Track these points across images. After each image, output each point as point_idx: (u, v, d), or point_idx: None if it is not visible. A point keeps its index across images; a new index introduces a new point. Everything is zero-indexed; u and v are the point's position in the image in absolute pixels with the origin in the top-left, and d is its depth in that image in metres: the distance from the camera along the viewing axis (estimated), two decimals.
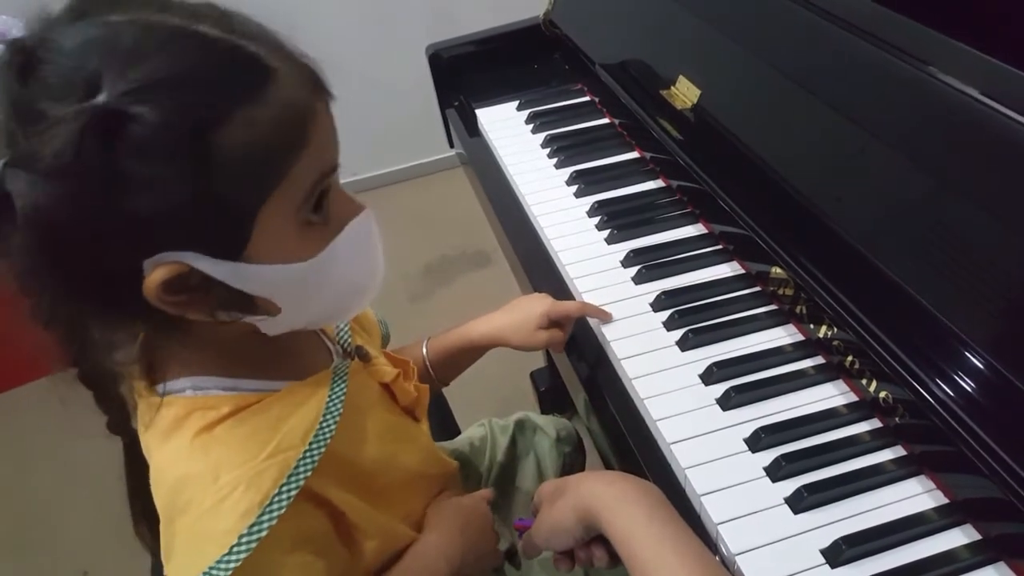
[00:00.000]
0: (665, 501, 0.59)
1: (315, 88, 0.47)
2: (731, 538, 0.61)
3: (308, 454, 0.52)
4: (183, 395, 0.52)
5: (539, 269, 0.95)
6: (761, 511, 0.62)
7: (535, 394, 1.70)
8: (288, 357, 0.57)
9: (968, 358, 0.58)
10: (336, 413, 0.56)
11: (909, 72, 0.68)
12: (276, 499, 0.49)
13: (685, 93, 0.92)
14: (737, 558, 0.59)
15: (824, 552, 0.59)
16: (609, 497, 0.59)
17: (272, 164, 0.45)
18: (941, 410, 0.58)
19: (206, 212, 0.43)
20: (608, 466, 0.81)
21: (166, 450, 0.52)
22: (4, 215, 0.40)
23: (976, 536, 0.59)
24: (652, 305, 0.83)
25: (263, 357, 0.55)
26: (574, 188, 1.02)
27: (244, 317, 0.49)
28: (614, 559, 0.60)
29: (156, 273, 0.43)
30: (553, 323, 0.82)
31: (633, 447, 0.72)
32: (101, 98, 0.39)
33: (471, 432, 1.00)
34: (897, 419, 0.66)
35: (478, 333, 0.84)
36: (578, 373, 0.83)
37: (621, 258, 0.89)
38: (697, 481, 0.65)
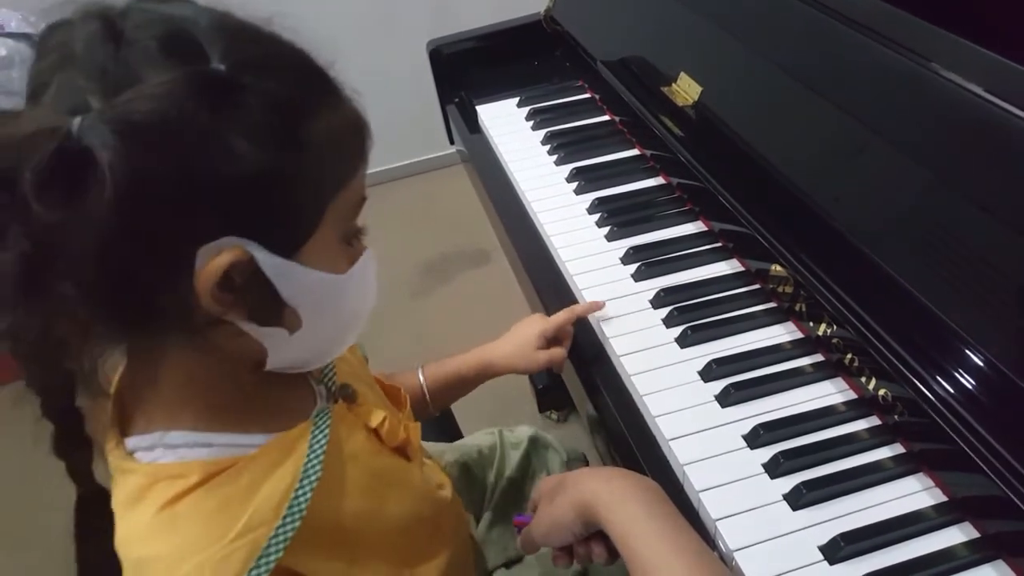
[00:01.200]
0: (664, 497, 0.59)
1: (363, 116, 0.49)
2: (729, 534, 0.60)
3: (281, 530, 0.48)
4: (150, 455, 0.48)
5: (539, 266, 0.95)
6: (760, 507, 0.62)
7: (533, 392, 1.70)
8: (269, 403, 0.54)
9: (967, 355, 0.58)
10: (314, 476, 0.51)
11: (911, 69, 0.68)
12: None
13: (686, 90, 0.92)
14: (735, 554, 0.59)
15: (822, 549, 0.59)
16: (608, 493, 0.59)
17: (343, 165, 0.47)
18: (941, 407, 0.58)
19: (284, 197, 0.43)
20: (607, 463, 0.81)
21: (128, 521, 0.48)
22: (74, 175, 0.37)
23: (975, 534, 0.59)
24: (652, 302, 0.83)
25: (244, 403, 0.52)
26: (574, 185, 1.01)
27: (268, 327, 0.47)
28: (613, 555, 0.60)
29: (220, 258, 0.41)
30: (552, 341, 0.82)
31: (632, 444, 0.72)
32: (214, 65, 0.40)
33: (478, 439, 0.97)
34: (896, 417, 0.66)
35: (475, 365, 0.84)
36: (577, 370, 0.83)
37: (621, 255, 0.89)
38: (696, 478, 0.65)
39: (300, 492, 0.50)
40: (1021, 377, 0.55)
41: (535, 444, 0.98)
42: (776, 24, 0.85)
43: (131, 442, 0.49)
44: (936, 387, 0.58)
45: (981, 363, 0.57)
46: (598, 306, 0.82)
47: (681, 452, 0.67)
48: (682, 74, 0.94)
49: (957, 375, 0.58)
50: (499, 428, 1.00)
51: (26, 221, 0.37)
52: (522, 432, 0.99)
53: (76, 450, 0.50)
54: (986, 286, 0.60)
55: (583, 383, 0.81)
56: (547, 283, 0.92)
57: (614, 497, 0.59)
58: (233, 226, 0.42)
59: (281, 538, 0.48)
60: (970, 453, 0.56)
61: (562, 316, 0.82)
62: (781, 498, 0.62)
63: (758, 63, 0.85)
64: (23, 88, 0.42)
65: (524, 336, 0.82)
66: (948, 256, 0.62)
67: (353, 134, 0.47)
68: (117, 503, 0.49)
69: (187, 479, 0.47)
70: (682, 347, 0.77)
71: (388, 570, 0.59)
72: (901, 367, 0.61)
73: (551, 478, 0.66)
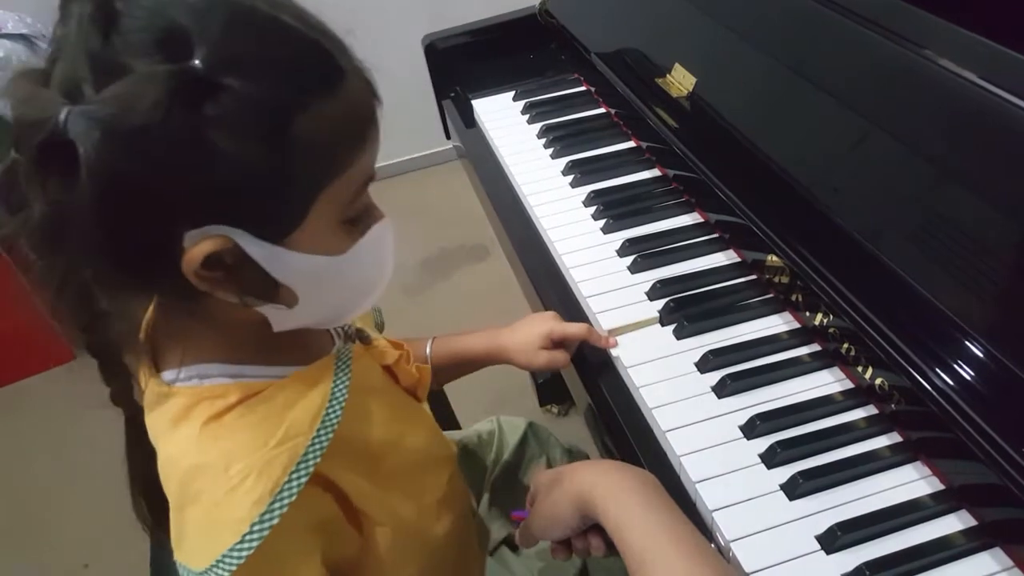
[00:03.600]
0: (661, 489, 0.59)
1: (373, 94, 0.49)
2: (726, 525, 0.60)
3: (316, 440, 0.52)
4: (188, 384, 0.52)
5: (535, 260, 0.94)
6: (756, 498, 0.62)
7: (533, 386, 1.70)
8: (292, 343, 0.57)
9: (963, 343, 0.58)
10: (341, 398, 0.56)
11: (906, 57, 0.67)
12: (287, 486, 0.49)
13: (681, 81, 0.92)
14: (732, 545, 0.59)
15: (819, 538, 0.59)
16: (604, 486, 0.59)
17: (337, 157, 0.46)
18: (937, 395, 0.57)
19: (268, 192, 0.44)
20: (607, 457, 0.80)
21: (174, 440, 0.51)
22: (63, 163, 0.39)
23: (972, 522, 0.59)
24: (648, 294, 0.82)
25: (268, 343, 0.55)
26: (570, 178, 1.01)
27: (263, 304, 0.49)
28: (611, 548, 0.60)
29: (202, 245, 0.43)
30: (557, 343, 0.81)
31: (629, 436, 0.72)
32: (196, 63, 0.40)
33: (479, 426, 1.00)
34: (893, 406, 0.65)
35: (482, 347, 0.84)
36: (575, 363, 0.83)
37: (617, 247, 0.89)
38: (692, 468, 0.65)
39: (331, 410, 0.55)
40: (1017, 365, 0.55)
41: (535, 430, 0.99)
42: (770, 14, 0.85)
43: (168, 375, 0.53)
44: (932, 375, 0.58)
45: (977, 351, 0.57)
46: (612, 344, 0.78)
47: (678, 443, 0.67)
48: (676, 65, 0.94)
49: (953, 363, 0.58)
50: (497, 416, 1.01)
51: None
52: (520, 420, 1.00)
53: (116, 378, 0.54)
54: (982, 274, 0.60)
55: (580, 376, 0.81)
56: (544, 277, 0.92)
57: (610, 489, 0.59)
58: (216, 216, 0.43)
59: (317, 447, 0.52)
60: (966, 441, 0.55)
61: (576, 329, 0.79)
62: (778, 488, 0.62)
63: (752, 53, 0.85)
64: None
65: (531, 332, 0.81)
66: (944, 245, 0.62)
67: (353, 122, 0.47)
68: (159, 426, 0.53)
69: (227, 399, 0.51)
70: (678, 338, 0.77)
71: (409, 505, 0.62)
72: (897, 356, 0.61)
73: (547, 472, 0.66)
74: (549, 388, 1.67)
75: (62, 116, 0.38)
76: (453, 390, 1.09)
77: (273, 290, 0.49)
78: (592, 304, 0.83)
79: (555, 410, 1.70)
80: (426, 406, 0.73)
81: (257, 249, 0.45)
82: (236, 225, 0.44)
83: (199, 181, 0.41)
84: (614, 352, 0.77)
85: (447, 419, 1.09)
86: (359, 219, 0.51)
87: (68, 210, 0.40)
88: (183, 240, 0.43)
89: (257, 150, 0.42)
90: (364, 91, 0.48)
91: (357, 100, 0.47)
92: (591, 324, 0.82)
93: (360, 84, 0.47)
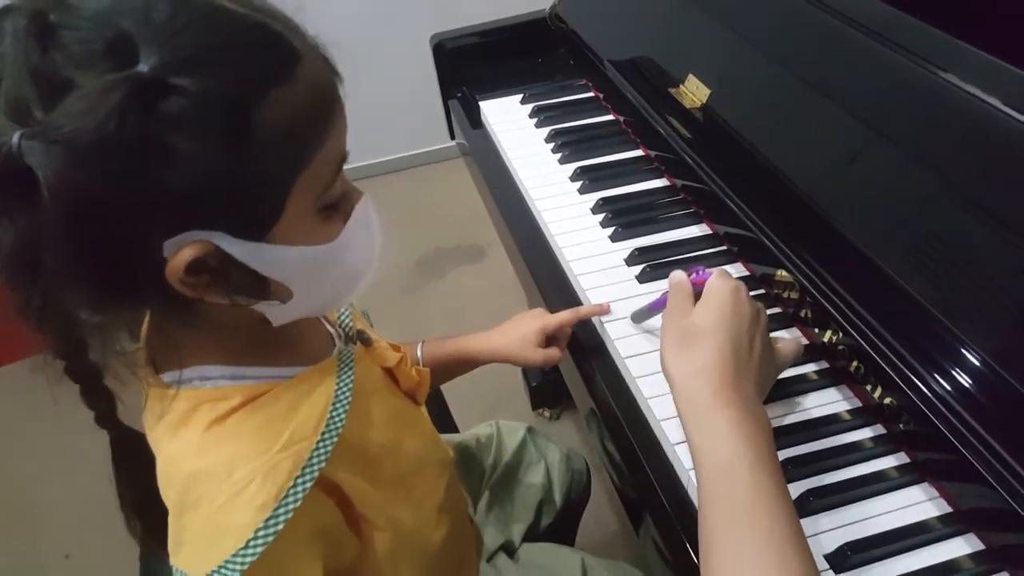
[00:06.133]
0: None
1: (333, 71, 0.47)
2: None
3: (321, 444, 0.51)
4: (189, 386, 0.51)
5: (541, 264, 0.94)
6: None
7: (526, 390, 1.70)
8: (293, 343, 0.56)
9: (973, 363, 0.58)
10: (345, 400, 0.55)
11: (924, 77, 0.68)
12: (292, 491, 0.48)
13: (694, 92, 0.92)
14: None
15: (829, 557, 0.59)
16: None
17: (304, 143, 0.44)
18: (947, 413, 0.57)
19: (240, 189, 0.42)
20: (605, 460, 0.80)
21: (175, 444, 0.50)
22: (23, 191, 0.37)
23: (980, 546, 0.59)
24: None
25: (269, 344, 0.54)
26: (578, 184, 1.01)
27: (256, 303, 0.48)
28: None
29: (183, 253, 0.42)
30: (550, 339, 0.82)
31: (632, 441, 0.71)
32: (142, 67, 0.38)
33: (477, 429, 1.00)
34: (901, 425, 0.66)
35: (473, 348, 0.85)
36: (580, 372, 0.82)
37: (625, 256, 0.89)
38: (688, 458, 0.64)
39: (335, 413, 0.54)
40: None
41: (534, 434, 0.99)
42: (788, 28, 0.85)
43: (168, 377, 0.52)
44: (942, 392, 0.58)
45: (988, 372, 0.57)
46: (604, 310, 0.81)
47: (671, 432, 0.67)
48: (690, 76, 0.93)
49: (963, 382, 0.58)
50: (497, 420, 1.01)
51: None
52: (519, 425, 1.00)
53: (99, 400, 0.53)
54: (991, 294, 0.60)
55: (587, 386, 0.80)
56: (550, 281, 0.91)
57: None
58: (191, 221, 0.41)
59: (322, 451, 0.51)
60: (974, 461, 0.55)
61: (566, 315, 0.82)
62: None
63: (769, 67, 0.85)
64: None
65: (524, 329, 0.82)
66: (958, 264, 0.62)
67: (315, 103, 0.45)
68: (160, 429, 0.52)
69: (230, 401, 0.50)
70: None
71: (407, 511, 0.61)
72: (908, 373, 0.61)
73: (683, 326, 0.62)
74: (542, 391, 1.67)
75: (14, 141, 0.36)
76: (447, 392, 1.08)
77: (263, 287, 0.47)
78: None
79: (547, 414, 1.70)
80: (424, 410, 0.72)
81: (239, 248, 0.44)
82: (213, 227, 0.42)
83: (166, 188, 0.39)
84: (622, 362, 0.77)
85: (445, 422, 1.08)
86: (340, 204, 0.50)
87: (37, 238, 0.39)
88: (163, 251, 0.42)
89: (220, 148, 0.40)
90: (323, 70, 0.46)
91: (317, 80, 0.45)
92: (595, 329, 0.82)
93: (318, 63, 0.45)
